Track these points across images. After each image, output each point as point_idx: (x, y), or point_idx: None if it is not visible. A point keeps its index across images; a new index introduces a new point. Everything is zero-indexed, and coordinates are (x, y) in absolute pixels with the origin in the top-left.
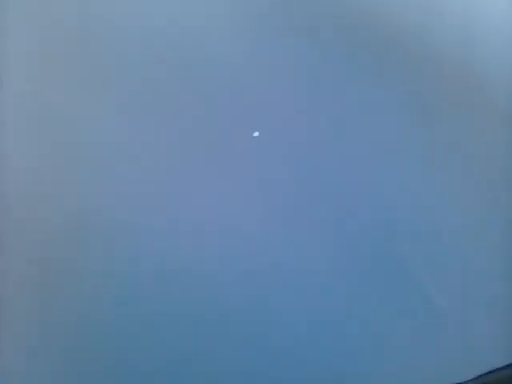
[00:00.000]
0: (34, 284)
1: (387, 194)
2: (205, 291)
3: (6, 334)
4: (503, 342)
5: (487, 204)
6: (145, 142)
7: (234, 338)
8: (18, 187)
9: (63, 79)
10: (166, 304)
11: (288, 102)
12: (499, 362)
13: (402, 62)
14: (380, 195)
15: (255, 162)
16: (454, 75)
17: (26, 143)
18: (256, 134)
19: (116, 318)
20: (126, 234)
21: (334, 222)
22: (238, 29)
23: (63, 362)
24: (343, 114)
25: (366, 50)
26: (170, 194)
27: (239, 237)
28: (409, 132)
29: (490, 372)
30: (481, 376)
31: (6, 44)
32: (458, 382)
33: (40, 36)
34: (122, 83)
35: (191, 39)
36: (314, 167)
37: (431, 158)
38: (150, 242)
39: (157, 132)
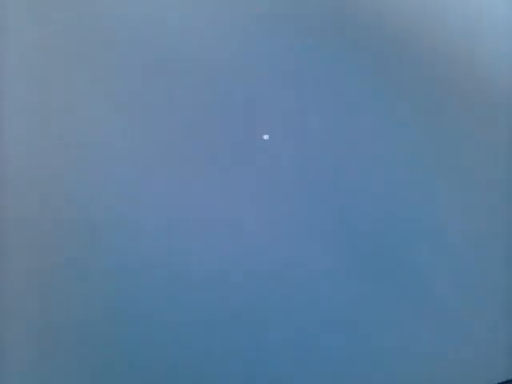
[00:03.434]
0: (34, 284)
1: (391, 196)
2: (207, 292)
3: (5, 335)
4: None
5: (490, 206)
6: (146, 142)
7: (237, 338)
8: (17, 187)
9: (63, 79)
10: (167, 304)
11: (292, 103)
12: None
13: (406, 63)
14: (384, 196)
15: (258, 162)
16: (459, 78)
17: (25, 143)
18: (266, 137)
19: (117, 318)
20: (126, 233)
21: (337, 224)
22: (241, 29)
23: (64, 362)
24: (348, 116)
25: (372, 53)
26: (172, 195)
27: (242, 237)
28: (412, 134)
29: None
30: None
31: (5, 43)
32: None
33: (40, 36)
34: (123, 83)
35: (193, 39)
36: (318, 167)
37: (435, 161)
38: (151, 242)
39: (158, 132)
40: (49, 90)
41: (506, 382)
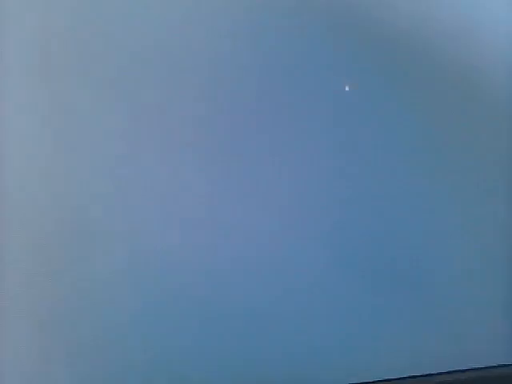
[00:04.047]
0: (33, 283)
1: (388, 196)
2: (207, 291)
3: (5, 335)
4: (502, 341)
5: (488, 205)
6: (146, 142)
7: (235, 337)
8: (17, 187)
9: (63, 80)
10: (167, 303)
11: (293, 103)
12: (496, 360)
13: (406, 65)
14: (382, 197)
15: (257, 163)
16: (457, 78)
17: (25, 144)
18: (347, 87)
19: (117, 318)
20: (127, 233)
21: (335, 223)
22: (241, 29)
23: (62, 362)
24: (346, 116)
25: (371, 54)
26: (172, 194)
27: (242, 237)
28: (410, 135)
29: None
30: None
31: (4, 45)
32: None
33: (40, 36)
34: (122, 83)
35: (192, 39)
36: (316, 169)
37: (435, 164)
38: (151, 241)
39: (158, 132)
40: (47, 89)
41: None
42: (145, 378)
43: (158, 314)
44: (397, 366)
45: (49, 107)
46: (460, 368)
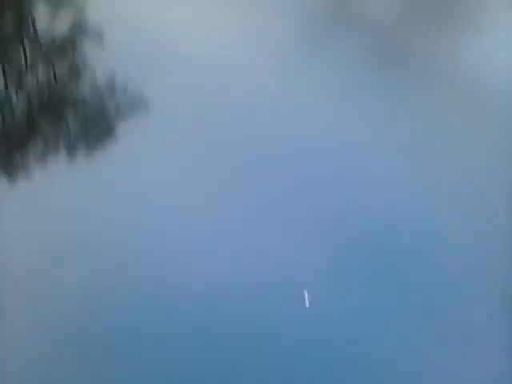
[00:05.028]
0: (33, 282)
1: (389, 195)
2: (206, 291)
3: (5, 335)
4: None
5: (488, 204)
6: (145, 143)
7: (232, 339)
8: (17, 187)
9: None
10: (167, 304)
11: (289, 105)
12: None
13: (406, 65)
14: (382, 196)
15: (255, 162)
16: (457, 78)
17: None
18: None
19: (117, 318)
20: (127, 234)
21: (335, 222)
22: (250, 34)
23: (63, 362)
24: (344, 115)
25: (373, 56)
26: (170, 195)
27: (244, 238)
28: (410, 133)
29: None
30: None
31: None
32: None
33: None
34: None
35: (195, 40)
36: (315, 167)
37: (433, 160)
38: (152, 241)
39: (161, 137)
40: None
41: None
42: (145, 377)
43: (158, 314)
44: (397, 367)
45: None
46: None
